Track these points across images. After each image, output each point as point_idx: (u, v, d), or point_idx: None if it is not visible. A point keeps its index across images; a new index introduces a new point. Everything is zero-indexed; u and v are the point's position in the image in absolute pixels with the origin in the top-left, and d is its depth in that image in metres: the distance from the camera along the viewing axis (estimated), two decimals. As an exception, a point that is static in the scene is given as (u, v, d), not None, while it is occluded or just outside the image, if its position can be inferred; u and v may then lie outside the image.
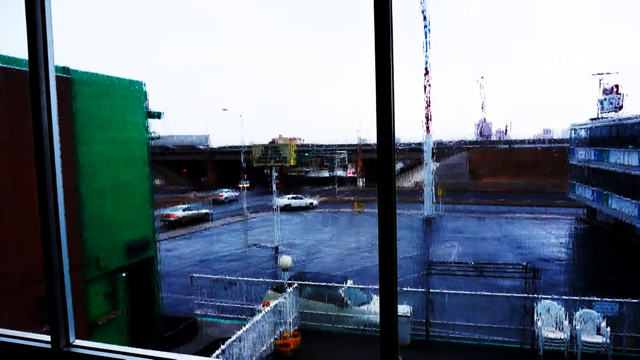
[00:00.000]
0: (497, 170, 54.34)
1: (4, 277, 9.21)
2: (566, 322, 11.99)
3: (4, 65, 9.24)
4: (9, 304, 9.11)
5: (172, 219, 34.26)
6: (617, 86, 32.36)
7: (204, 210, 37.58)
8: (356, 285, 15.27)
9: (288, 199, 43.96)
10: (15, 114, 8.87)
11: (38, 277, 1.97)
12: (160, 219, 33.01)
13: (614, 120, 29.03)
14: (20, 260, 9.22)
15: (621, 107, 31.38)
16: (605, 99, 32.94)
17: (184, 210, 35.79)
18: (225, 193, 50.43)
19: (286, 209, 41.58)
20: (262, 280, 16.52)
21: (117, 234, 12.32)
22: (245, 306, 15.25)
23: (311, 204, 44.82)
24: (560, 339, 11.71)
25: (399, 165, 58.08)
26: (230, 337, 10.87)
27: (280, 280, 15.45)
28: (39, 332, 2.07)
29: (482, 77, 69.23)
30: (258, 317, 12.25)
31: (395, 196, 1.54)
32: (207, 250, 27.71)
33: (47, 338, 1.97)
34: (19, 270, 9.22)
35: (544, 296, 12.88)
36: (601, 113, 33.29)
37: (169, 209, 35.58)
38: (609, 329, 11.43)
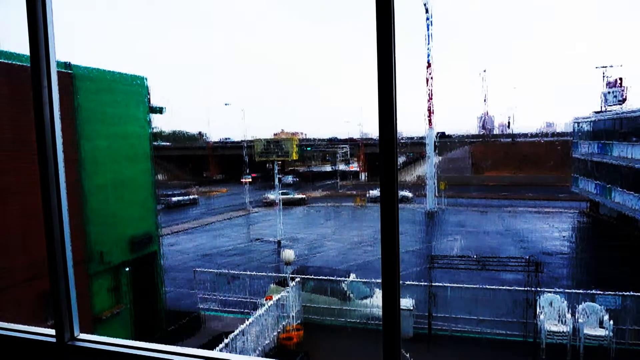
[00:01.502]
0: (500, 164, 54.19)
1: (9, 271, 9.27)
2: (569, 315, 12.00)
3: (6, 61, 9.24)
4: (14, 299, 9.18)
5: (268, 200, 41.64)
6: (620, 79, 32.16)
7: (299, 195, 43.66)
8: (359, 279, 15.31)
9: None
10: (18, 108, 8.89)
11: (43, 272, 1.98)
12: (262, 202, 42.74)
13: (617, 113, 28.84)
14: (25, 254, 9.27)
15: (624, 100, 31.19)
16: (609, 92, 32.74)
17: (281, 194, 42.73)
18: (290, 178, 59.48)
19: (376, 201, 40.36)
20: (265, 274, 16.58)
21: (120, 228, 12.37)
22: (248, 300, 15.32)
23: (405, 197, 41.04)
24: (563, 332, 11.73)
25: (401, 159, 57.98)
26: (233, 331, 10.93)
27: (283, 274, 15.50)
28: (44, 326, 2.09)
29: (485, 71, 68.84)
30: (261, 311, 12.31)
31: (398, 190, 1.54)
32: (210, 244, 27.81)
33: (52, 332, 1.99)
34: (24, 265, 9.28)
35: (546, 289, 12.89)
36: (605, 106, 33.10)
37: (267, 192, 43.54)
38: (611, 322, 11.44)
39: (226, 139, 68.49)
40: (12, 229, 9.42)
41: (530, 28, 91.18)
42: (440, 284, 13.32)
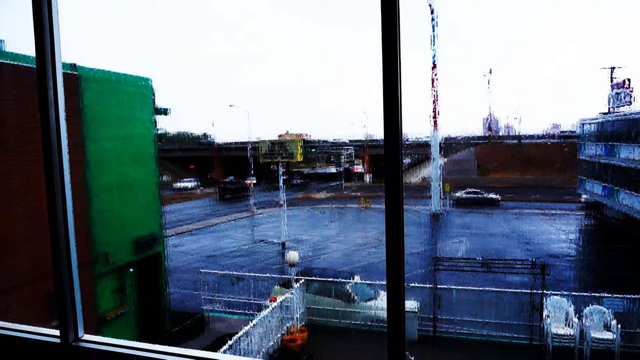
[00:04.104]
0: (506, 166, 53.95)
1: (14, 272, 9.32)
2: (575, 319, 11.91)
3: (12, 62, 9.32)
4: (19, 299, 9.23)
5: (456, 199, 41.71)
6: (628, 80, 31.88)
7: (490, 195, 41.34)
8: (363, 281, 15.27)
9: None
10: (23, 110, 8.96)
11: (48, 273, 1.99)
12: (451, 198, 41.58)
13: (625, 115, 28.63)
14: (30, 255, 9.33)
15: (632, 101, 30.93)
16: (617, 93, 32.49)
17: (466, 193, 42.72)
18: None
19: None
20: (269, 275, 16.58)
21: (125, 229, 12.42)
22: (252, 301, 15.33)
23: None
24: (569, 335, 11.64)
25: (406, 161, 57.87)
26: (237, 332, 10.93)
27: (287, 276, 15.49)
28: (49, 327, 2.09)
29: (490, 72, 68.38)
30: (265, 312, 12.31)
31: (403, 192, 1.53)
32: (214, 246, 27.86)
33: (57, 333, 1.99)
34: (29, 266, 9.34)
35: (552, 292, 12.80)
36: (612, 107, 32.86)
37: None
38: (619, 325, 11.33)
39: (231, 142, 68.46)
40: (18, 230, 9.48)
41: (531, 29, 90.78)
42: (446, 286, 13.26)
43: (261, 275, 16.44)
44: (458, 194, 41.60)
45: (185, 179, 61.15)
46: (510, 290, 13.17)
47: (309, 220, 36.09)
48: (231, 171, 62.73)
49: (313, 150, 63.52)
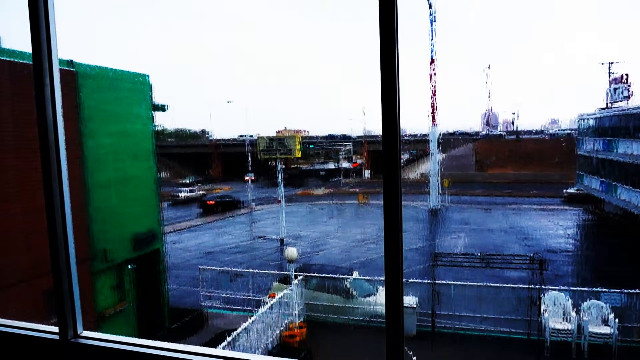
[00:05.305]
0: (504, 161, 53.99)
1: (14, 269, 9.32)
2: (573, 313, 11.96)
3: (9, 59, 9.26)
4: (18, 296, 9.23)
5: (567, 195, 39.46)
6: (626, 75, 31.89)
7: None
8: (362, 277, 15.30)
9: None
10: (20, 106, 8.92)
11: (47, 270, 1.98)
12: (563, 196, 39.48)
13: (623, 110, 28.64)
14: (29, 252, 9.32)
15: (630, 97, 30.96)
16: (615, 88, 32.49)
17: (577, 190, 38.88)
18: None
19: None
20: (268, 272, 16.60)
21: (123, 226, 12.41)
22: (251, 298, 15.35)
23: None
24: (567, 329, 11.69)
25: (404, 157, 57.85)
26: (236, 329, 10.96)
27: (286, 272, 15.51)
28: (48, 323, 2.09)
29: (489, 67, 68.33)
30: (264, 308, 12.33)
31: (401, 187, 1.53)
32: (213, 242, 27.87)
33: (56, 329, 1.99)
34: (28, 263, 9.33)
35: (551, 287, 12.84)
36: (610, 102, 32.89)
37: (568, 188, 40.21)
38: (616, 320, 11.38)
39: (229, 139, 68.04)
40: (17, 227, 9.46)
41: (530, 26, 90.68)
42: (444, 282, 13.30)
43: (260, 271, 16.45)
44: (570, 190, 38.80)
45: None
46: (509, 285, 13.21)
47: (307, 217, 36.11)
48: (229, 168, 62.63)
49: (311, 146, 63.48)
